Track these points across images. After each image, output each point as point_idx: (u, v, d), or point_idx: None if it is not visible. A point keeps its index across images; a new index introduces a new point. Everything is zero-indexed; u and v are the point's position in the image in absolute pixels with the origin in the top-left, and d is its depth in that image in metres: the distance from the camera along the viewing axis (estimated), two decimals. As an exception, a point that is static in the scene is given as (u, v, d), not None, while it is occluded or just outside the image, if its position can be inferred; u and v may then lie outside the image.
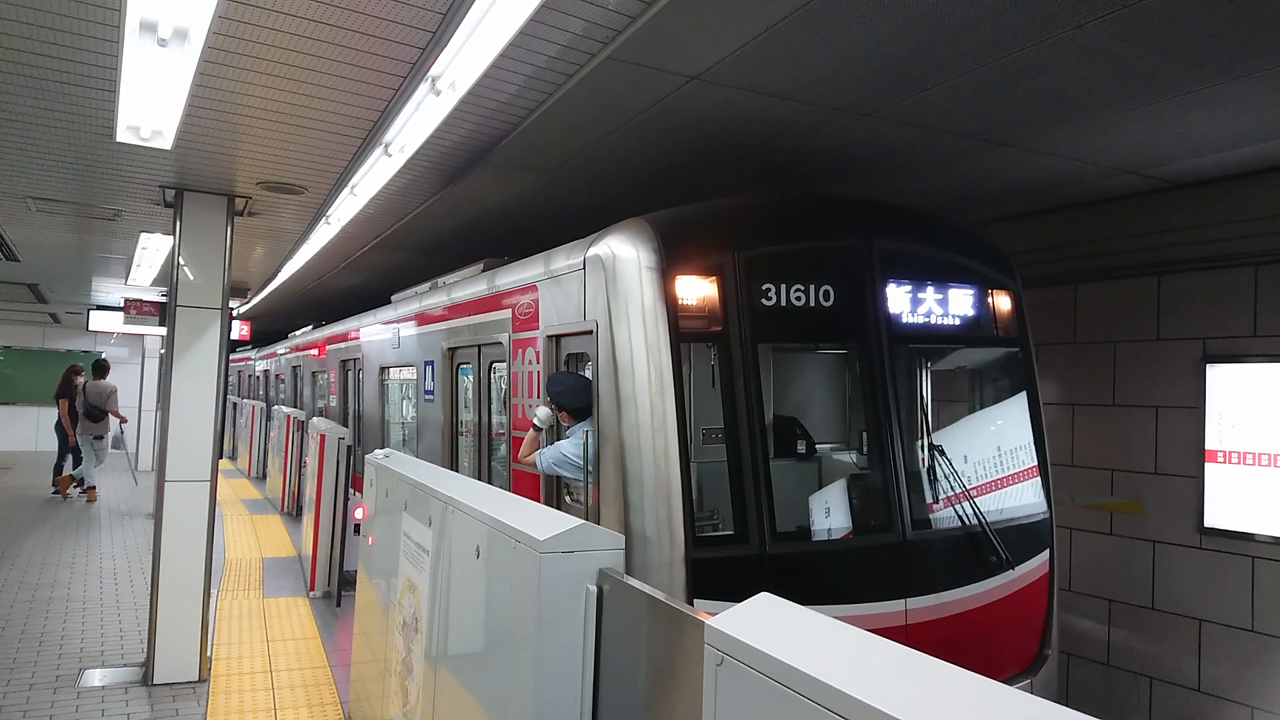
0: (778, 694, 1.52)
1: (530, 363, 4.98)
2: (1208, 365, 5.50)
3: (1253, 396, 5.29)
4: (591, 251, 4.28)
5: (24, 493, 13.31)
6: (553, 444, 4.54)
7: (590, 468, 4.17)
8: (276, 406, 14.60)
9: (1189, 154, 4.88)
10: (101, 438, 12.63)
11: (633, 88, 3.98)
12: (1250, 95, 3.92)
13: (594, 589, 2.37)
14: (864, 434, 4.75)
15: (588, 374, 4.40)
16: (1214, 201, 5.42)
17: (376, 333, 9.14)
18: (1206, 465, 5.49)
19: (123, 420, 13.22)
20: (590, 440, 4.18)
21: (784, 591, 1.97)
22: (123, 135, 4.43)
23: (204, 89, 3.87)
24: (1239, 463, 5.34)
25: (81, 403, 12.36)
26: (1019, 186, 5.74)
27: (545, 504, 4.55)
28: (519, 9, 3.01)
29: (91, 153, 4.97)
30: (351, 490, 7.69)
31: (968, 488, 4.57)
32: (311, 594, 7.65)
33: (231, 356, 22.91)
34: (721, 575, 3.83)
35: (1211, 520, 5.47)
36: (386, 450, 5.24)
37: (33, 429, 19.83)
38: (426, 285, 7.84)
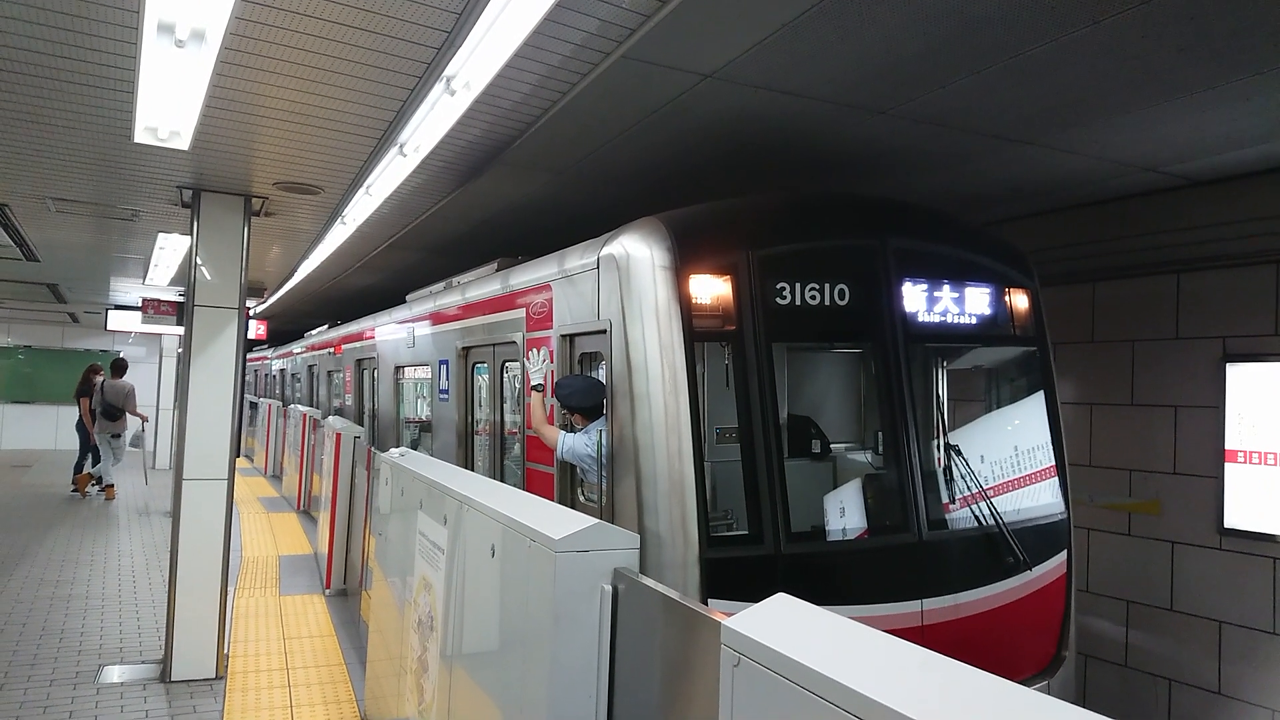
0: (795, 695, 1.51)
1: (544, 362, 4.99)
2: (1228, 364, 5.44)
3: (1274, 396, 5.23)
4: (605, 251, 4.28)
5: (44, 491, 13.45)
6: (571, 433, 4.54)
7: (603, 468, 4.17)
8: (293, 405, 14.69)
9: (1208, 151, 4.83)
10: (119, 436, 12.73)
11: (646, 86, 3.97)
12: (1272, 91, 3.88)
13: (609, 588, 2.37)
14: (879, 433, 4.73)
15: (601, 374, 4.40)
16: (1234, 199, 5.36)
17: (391, 332, 9.18)
18: (1226, 465, 5.43)
19: (144, 419, 13.19)
20: (604, 439, 4.18)
21: (798, 592, 1.96)
22: (141, 136, 4.46)
23: (221, 90, 3.89)
24: (1260, 463, 5.28)
25: (99, 401, 12.48)
26: (1035, 184, 5.70)
27: (559, 503, 4.56)
28: (534, 8, 3.01)
29: (110, 153, 5.01)
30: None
31: (984, 488, 4.54)
32: (327, 592, 7.69)
33: (248, 356, 23.07)
34: (735, 575, 3.82)
35: (1231, 521, 5.41)
36: (402, 449, 5.26)
37: (52, 427, 20.04)
38: (441, 285, 7.87)
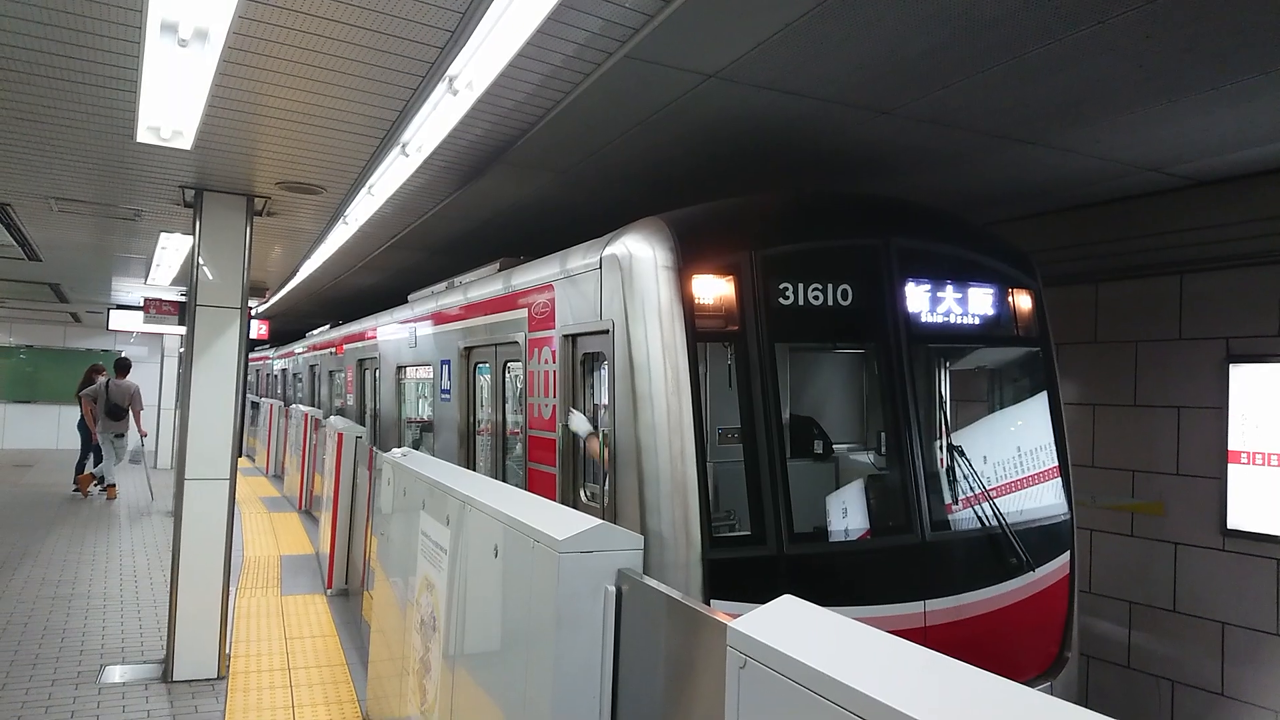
0: (802, 697, 1.50)
1: (546, 362, 4.98)
2: (1231, 365, 5.43)
3: (1277, 397, 5.22)
4: (608, 251, 4.27)
5: (45, 490, 13.46)
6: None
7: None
8: (294, 405, 14.69)
9: (1212, 151, 4.82)
10: (122, 435, 12.72)
11: (649, 86, 3.97)
12: (1276, 90, 3.86)
13: (613, 589, 2.36)
14: (882, 434, 4.72)
15: (604, 374, 4.39)
16: (1238, 199, 5.35)
17: (393, 332, 9.17)
18: (1230, 466, 5.42)
19: (143, 434, 12.72)
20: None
21: (801, 593, 1.96)
22: (143, 136, 4.46)
23: (224, 89, 3.89)
24: (1263, 464, 5.27)
25: (103, 400, 12.46)
26: (1039, 184, 5.69)
27: (561, 503, 4.55)
28: (537, 8, 3.01)
29: (112, 153, 5.01)
30: None
31: (987, 488, 4.53)
32: (329, 591, 7.69)
33: (250, 355, 23.06)
34: (738, 576, 3.82)
35: (1235, 522, 5.40)
36: (404, 448, 5.26)
37: (54, 427, 20.07)
38: (443, 285, 7.87)
